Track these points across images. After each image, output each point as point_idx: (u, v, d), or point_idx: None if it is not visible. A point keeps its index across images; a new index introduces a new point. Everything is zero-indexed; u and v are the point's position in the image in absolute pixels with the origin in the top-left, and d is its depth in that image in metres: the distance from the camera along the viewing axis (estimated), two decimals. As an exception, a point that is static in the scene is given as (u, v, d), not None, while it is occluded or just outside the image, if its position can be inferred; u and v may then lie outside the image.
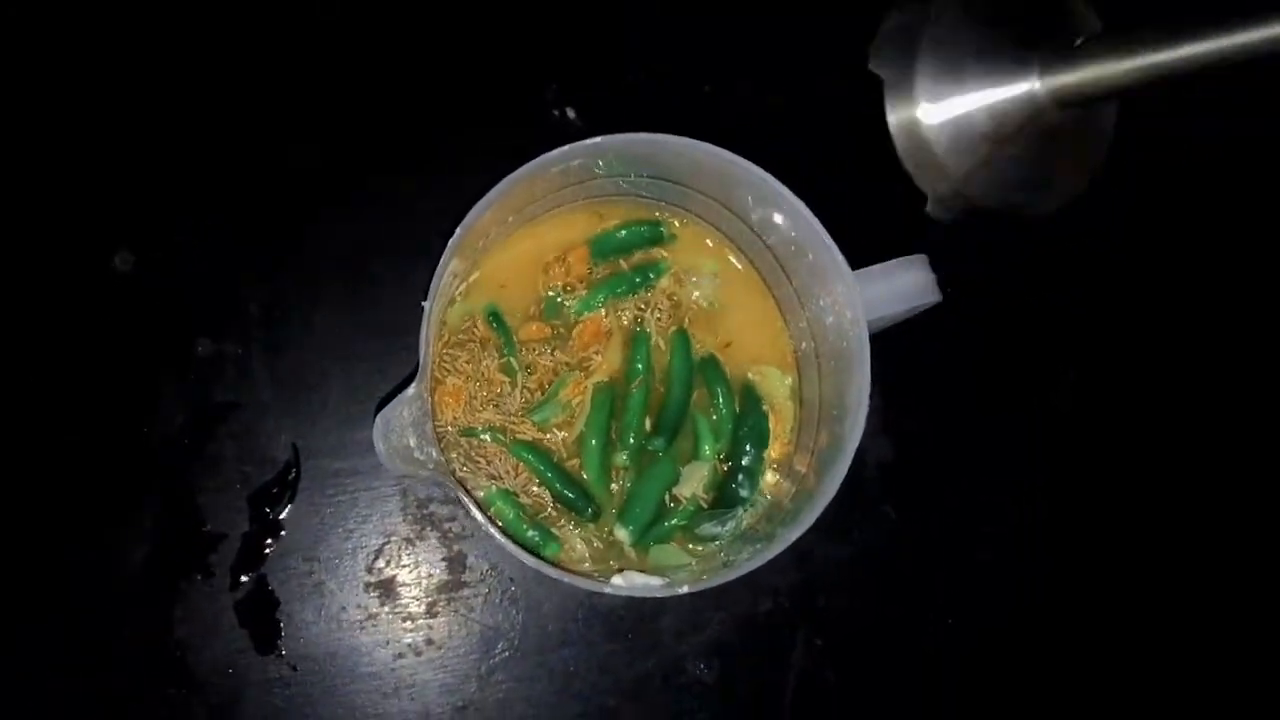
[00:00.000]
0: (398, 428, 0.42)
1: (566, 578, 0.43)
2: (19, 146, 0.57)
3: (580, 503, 0.49)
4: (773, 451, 0.51)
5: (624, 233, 0.52)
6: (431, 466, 0.42)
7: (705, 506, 0.50)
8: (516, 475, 0.49)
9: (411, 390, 0.42)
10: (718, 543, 0.50)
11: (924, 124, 0.34)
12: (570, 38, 0.61)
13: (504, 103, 0.60)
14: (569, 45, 0.60)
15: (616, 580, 0.46)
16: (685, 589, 0.43)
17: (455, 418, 0.49)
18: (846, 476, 0.44)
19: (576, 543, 0.49)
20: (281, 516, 0.56)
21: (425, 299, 0.43)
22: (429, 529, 0.56)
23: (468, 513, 0.45)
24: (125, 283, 0.57)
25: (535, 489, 0.50)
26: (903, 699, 0.59)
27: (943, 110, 0.33)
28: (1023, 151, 0.34)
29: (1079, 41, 0.32)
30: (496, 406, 0.50)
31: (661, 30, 0.61)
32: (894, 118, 0.35)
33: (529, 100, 0.60)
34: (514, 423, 0.50)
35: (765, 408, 0.51)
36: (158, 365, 0.56)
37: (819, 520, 0.43)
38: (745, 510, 0.50)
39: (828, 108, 0.60)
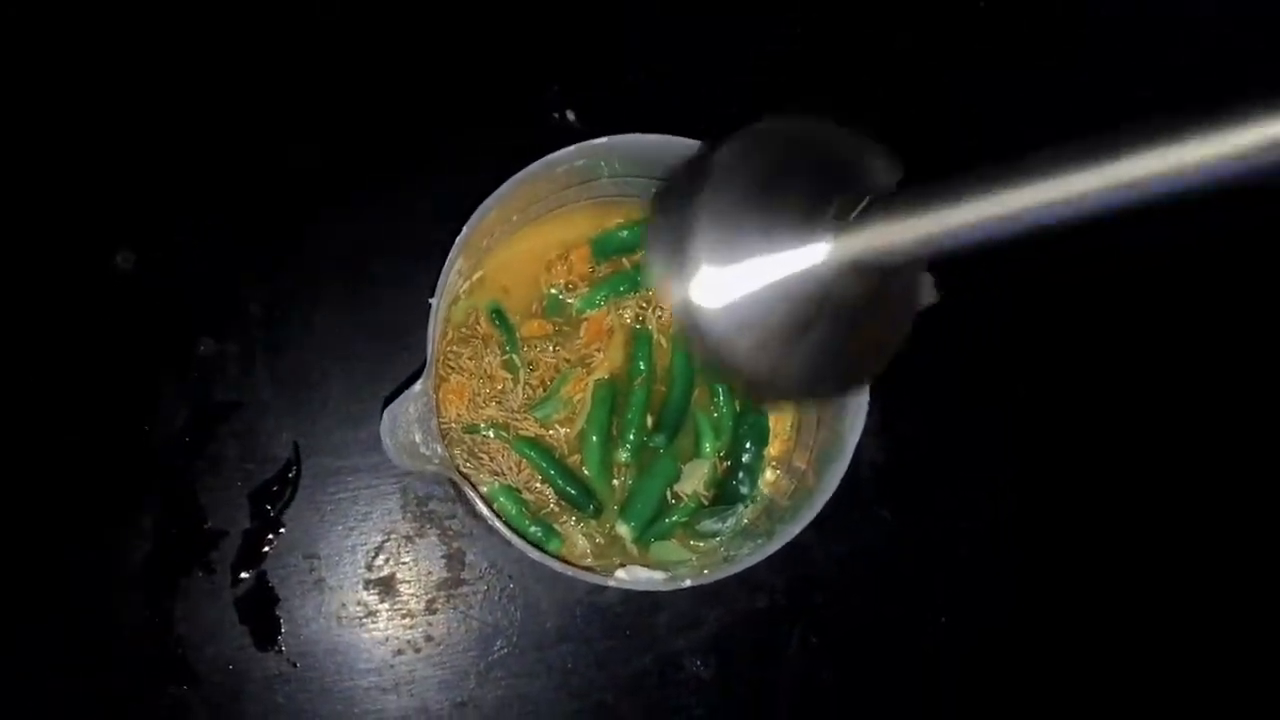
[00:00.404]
0: (404, 423, 0.43)
1: (571, 571, 0.44)
2: (20, 146, 0.57)
3: (582, 499, 0.50)
4: (773, 449, 0.52)
5: (626, 233, 0.52)
6: (437, 462, 0.43)
7: (706, 503, 0.51)
8: (519, 471, 0.50)
9: (418, 386, 0.43)
10: (718, 539, 0.50)
11: (704, 310, 0.27)
12: (570, 39, 0.61)
13: (504, 103, 0.60)
14: (569, 46, 0.61)
15: (620, 574, 0.47)
16: (688, 583, 0.44)
17: (459, 414, 0.50)
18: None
19: (578, 538, 0.50)
20: (282, 514, 0.56)
21: (426, 298, 0.44)
22: (429, 526, 0.57)
23: (470, 510, 0.45)
24: (126, 282, 0.57)
25: (538, 485, 0.50)
26: (897, 695, 0.60)
27: (724, 294, 0.26)
28: (824, 332, 0.27)
29: (864, 203, 0.25)
30: (499, 403, 0.50)
31: (661, 30, 0.62)
32: (673, 300, 0.27)
33: (529, 101, 0.60)
34: (516, 419, 0.50)
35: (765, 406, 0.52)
36: (159, 364, 0.56)
37: (815, 518, 0.44)
38: (745, 507, 0.51)
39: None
